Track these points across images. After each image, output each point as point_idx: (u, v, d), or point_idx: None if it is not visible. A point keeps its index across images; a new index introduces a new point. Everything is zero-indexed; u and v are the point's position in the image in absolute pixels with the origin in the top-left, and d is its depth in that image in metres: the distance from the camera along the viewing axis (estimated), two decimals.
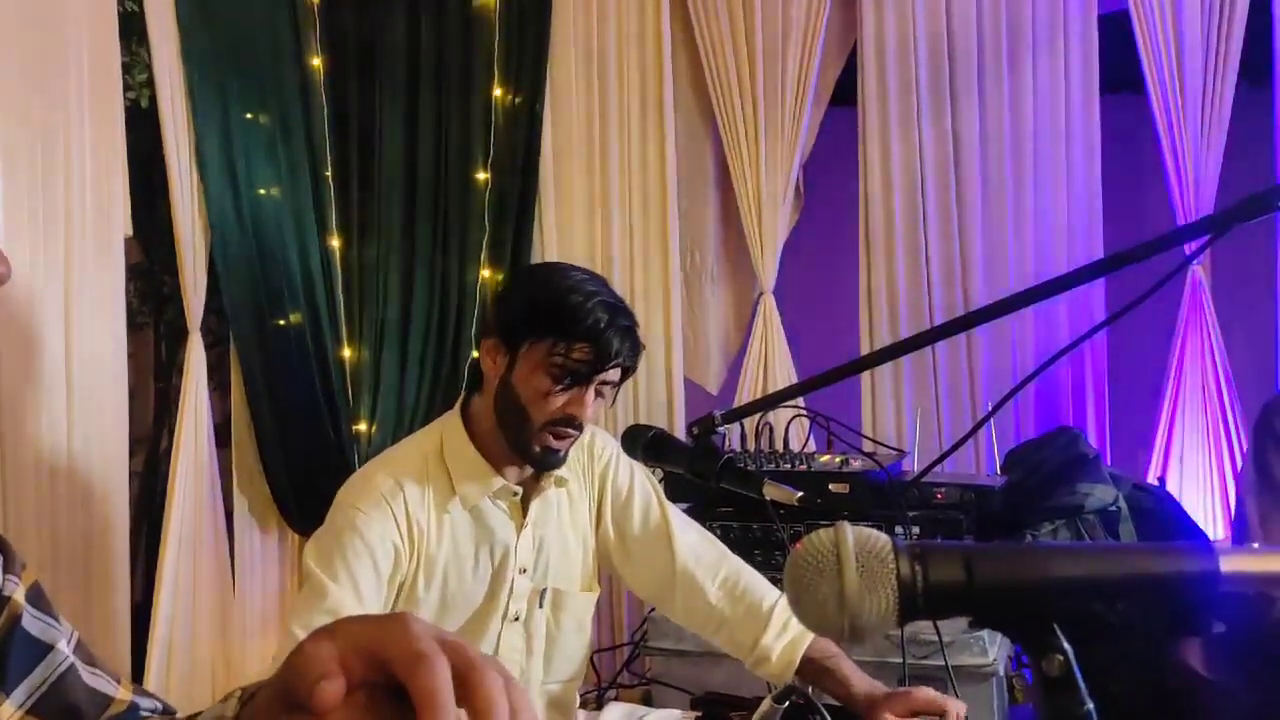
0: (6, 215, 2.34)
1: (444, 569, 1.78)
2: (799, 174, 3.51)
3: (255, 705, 0.69)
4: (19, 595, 0.81)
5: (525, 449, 1.75)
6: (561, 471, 1.84)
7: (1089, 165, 3.35)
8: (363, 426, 3.21)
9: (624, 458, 1.95)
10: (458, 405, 1.86)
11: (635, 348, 1.75)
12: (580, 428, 1.74)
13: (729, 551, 1.96)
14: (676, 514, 1.97)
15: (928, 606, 0.67)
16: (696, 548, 1.93)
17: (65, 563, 2.47)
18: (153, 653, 2.66)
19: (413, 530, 1.74)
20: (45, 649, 0.82)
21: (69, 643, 0.84)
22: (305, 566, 1.71)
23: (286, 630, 1.67)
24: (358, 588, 1.66)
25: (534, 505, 1.83)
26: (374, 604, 1.68)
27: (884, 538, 0.68)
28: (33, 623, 0.82)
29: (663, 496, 1.97)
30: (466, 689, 0.54)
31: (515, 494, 1.81)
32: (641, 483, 1.97)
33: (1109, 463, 3.10)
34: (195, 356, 2.80)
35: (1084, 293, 3.32)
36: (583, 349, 1.69)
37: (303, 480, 3.03)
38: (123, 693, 0.86)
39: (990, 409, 1.64)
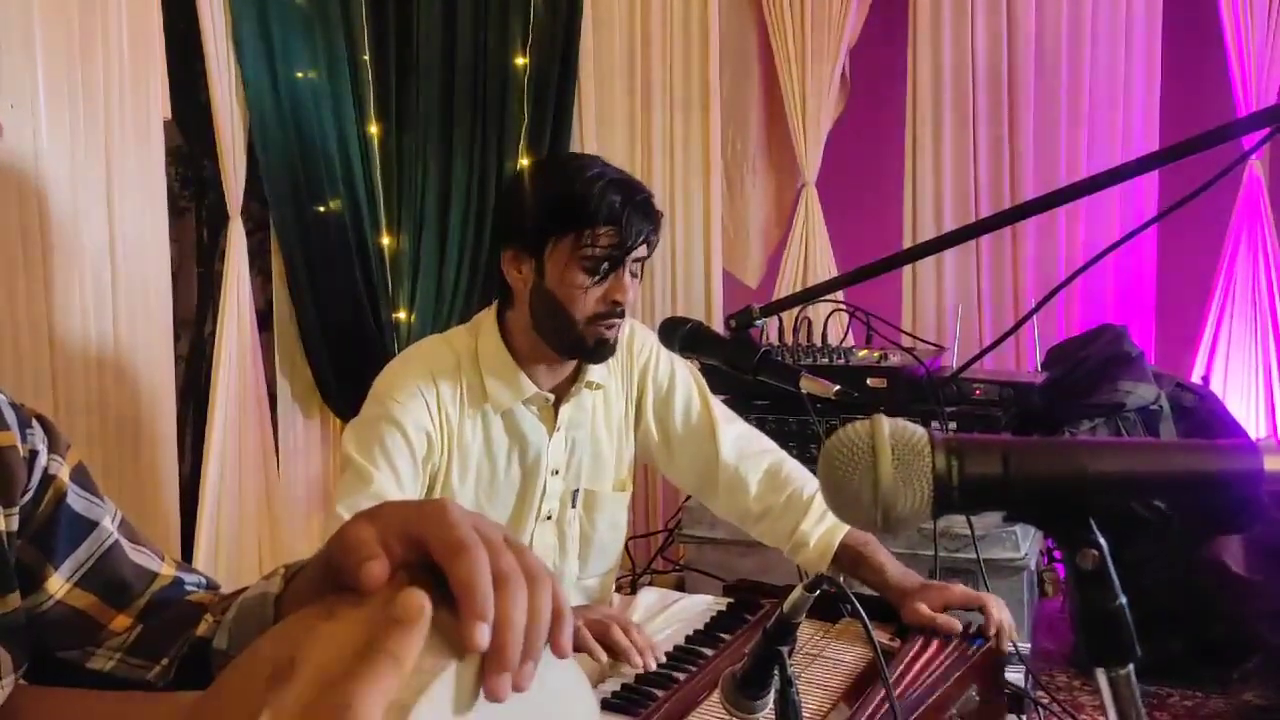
0: (47, 97, 2.34)
1: (477, 465, 1.80)
2: (845, 61, 3.42)
3: (299, 582, 0.71)
4: (64, 474, 0.83)
5: (576, 347, 1.75)
6: (596, 377, 1.84)
7: (1149, 58, 3.23)
8: (402, 314, 3.24)
9: (664, 352, 1.94)
10: (494, 311, 1.84)
11: (657, 219, 1.74)
12: (623, 313, 1.74)
13: (772, 443, 1.97)
14: (719, 407, 1.97)
15: (962, 500, 0.66)
16: (739, 442, 1.93)
17: (114, 445, 2.52)
18: (200, 533, 2.74)
19: (445, 423, 1.76)
20: (90, 525, 0.84)
21: (113, 520, 0.87)
22: (345, 453, 1.74)
23: (332, 514, 1.71)
24: (398, 474, 1.70)
25: (566, 409, 1.84)
26: (412, 490, 1.72)
27: (920, 430, 0.67)
28: (77, 500, 0.84)
29: (705, 390, 1.97)
30: (497, 580, 0.55)
31: (547, 400, 1.82)
32: (684, 377, 1.96)
33: (1153, 362, 3.07)
34: (236, 241, 2.81)
35: (1136, 190, 3.24)
36: (608, 233, 1.68)
37: (343, 366, 3.07)
38: (166, 568, 0.88)
39: (1034, 306, 1.62)
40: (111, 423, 2.52)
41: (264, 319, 3.03)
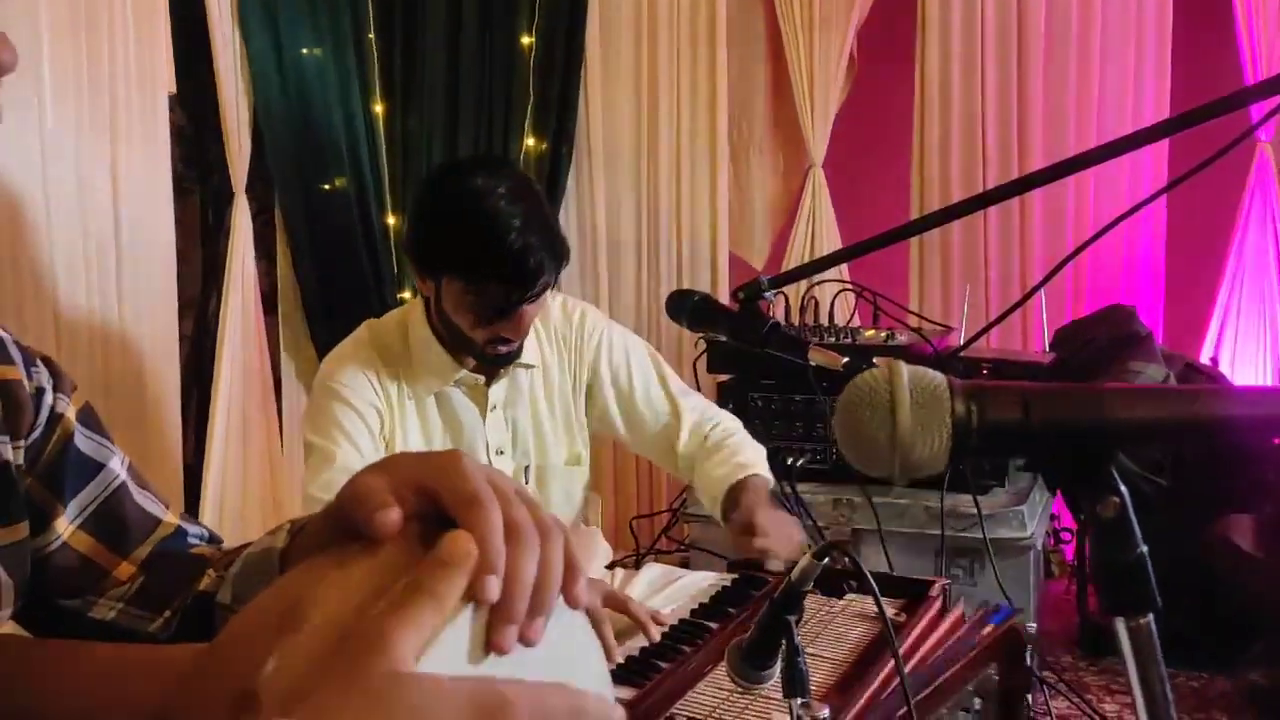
0: (51, 74, 2.33)
1: (416, 449, 1.80)
2: (853, 41, 3.40)
3: (305, 537, 0.71)
4: (70, 413, 0.83)
5: (478, 358, 1.80)
6: (527, 357, 1.84)
7: (1159, 36, 3.21)
8: (407, 294, 3.23)
9: (618, 335, 1.96)
10: (420, 298, 1.85)
11: (556, 261, 1.69)
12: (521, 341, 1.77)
13: (721, 412, 2.00)
14: (676, 383, 1.98)
15: (981, 445, 0.65)
16: (697, 429, 1.95)
17: (118, 426, 2.47)
18: (204, 513, 2.74)
19: (387, 402, 1.79)
20: (97, 467, 0.84)
21: (122, 463, 0.86)
22: (306, 440, 1.78)
23: (307, 496, 1.72)
24: (359, 449, 1.72)
25: (496, 389, 1.85)
26: (374, 459, 1.71)
27: (939, 375, 0.66)
28: (84, 441, 0.83)
29: (664, 369, 1.98)
30: (510, 533, 0.54)
31: (477, 380, 1.83)
32: (640, 360, 1.97)
33: (1162, 343, 3.05)
34: (241, 219, 2.81)
35: (1145, 169, 3.22)
36: (495, 289, 1.66)
37: None
38: (170, 516, 0.88)
39: (1042, 279, 1.60)
40: (115, 403, 2.51)
41: (269, 298, 3.02)
